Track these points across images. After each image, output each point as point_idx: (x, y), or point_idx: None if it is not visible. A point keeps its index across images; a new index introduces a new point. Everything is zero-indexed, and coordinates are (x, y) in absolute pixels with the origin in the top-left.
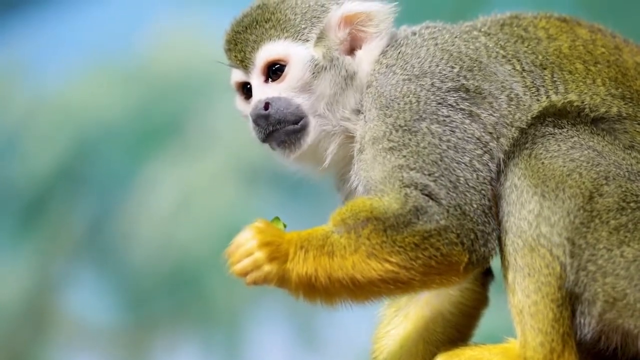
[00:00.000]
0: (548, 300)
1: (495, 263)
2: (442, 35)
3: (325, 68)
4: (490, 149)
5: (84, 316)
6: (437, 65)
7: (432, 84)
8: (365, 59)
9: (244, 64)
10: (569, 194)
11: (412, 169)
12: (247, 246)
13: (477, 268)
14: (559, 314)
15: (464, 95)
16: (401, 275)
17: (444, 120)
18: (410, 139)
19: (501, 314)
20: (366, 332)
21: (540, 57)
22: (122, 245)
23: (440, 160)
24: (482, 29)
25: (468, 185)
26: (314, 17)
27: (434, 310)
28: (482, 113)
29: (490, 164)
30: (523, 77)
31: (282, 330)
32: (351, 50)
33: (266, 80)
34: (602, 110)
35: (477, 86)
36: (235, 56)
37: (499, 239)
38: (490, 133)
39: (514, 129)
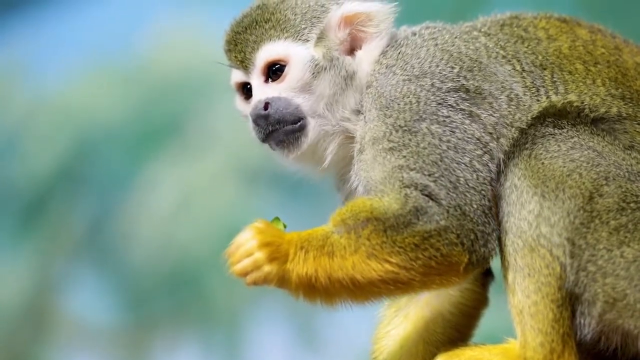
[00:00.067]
0: (548, 300)
1: (495, 263)
2: (442, 35)
3: (325, 68)
4: (490, 150)
5: (84, 316)
6: (437, 66)
7: (432, 85)
8: (365, 59)
9: (244, 64)
10: (569, 194)
11: (412, 170)
12: (247, 246)
13: (477, 268)
14: (559, 315)
15: (464, 95)
16: (401, 275)
17: (444, 121)
18: (410, 140)
19: (501, 314)
20: (366, 333)
21: (540, 57)
22: (122, 245)
23: (440, 161)
24: (482, 30)
25: (468, 185)
26: (314, 17)
27: (434, 311)
28: (482, 113)
29: (490, 165)
30: (523, 77)
31: (282, 330)
32: (351, 51)
33: (266, 81)
34: (602, 110)
35: (477, 86)
36: (235, 56)
37: (499, 239)
38: (490, 133)
39: (514, 129)
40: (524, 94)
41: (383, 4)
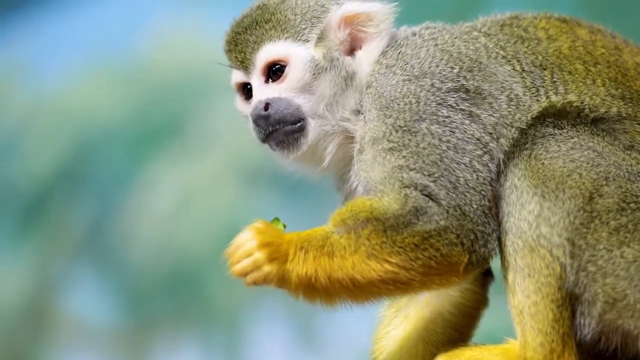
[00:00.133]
0: (548, 300)
1: (495, 264)
2: (442, 35)
3: (326, 69)
4: (490, 150)
5: (84, 316)
6: (437, 66)
7: (432, 85)
8: (365, 60)
9: (244, 64)
10: (569, 194)
11: (412, 170)
12: (247, 247)
13: (477, 268)
14: (559, 315)
15: (463, 95)
16: (401, 275)
17: (444, 121)
18: (410, 140)
19: (501, 315)
20: (366, 333)
21: (540, 57)
22: (122, 245)
23: (440, 161)
24: (482, 30)
25: (468, 185)
26: (314, 17)
27: (433, 311)
28: (482, 113)
29: (490, 165)
30: (523, 77)
31: (282, 331)
32: (351, 51)
33: (266, 81)
34: (602, 110)
35: (477, 87)
36: (236, 57)
37: (499, 239)
38: (490, 133)
39: (513, 129)
40: (524, 94)
41: (383, 4)
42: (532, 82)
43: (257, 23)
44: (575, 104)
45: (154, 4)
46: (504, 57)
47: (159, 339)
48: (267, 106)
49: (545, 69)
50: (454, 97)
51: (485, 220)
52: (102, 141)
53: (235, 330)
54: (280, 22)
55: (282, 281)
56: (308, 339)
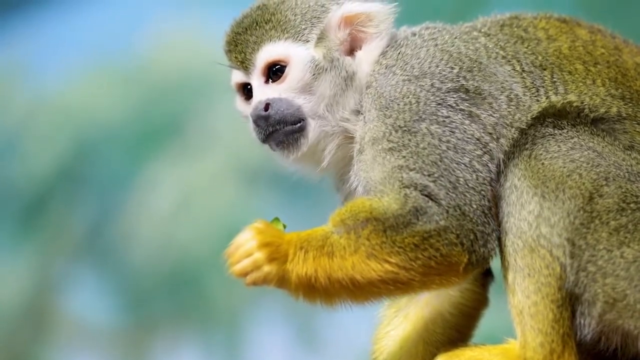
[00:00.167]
0: (548, 300)
1: (495, 264)
2: (442, 36)
3: (326, 69)
4: (490, 150)
5: (84, 316)
6: (437, 66)
7: (432, 85)
8: (365, 60)
9: (244, 65)
10: (569, 194)
11: (411, 170)
12: (246, 247)
13: (476, 268)
14: (559, 315)
15: (463, 95)
16: (401, 275)
17: (444, 121)
18: (409, 140)
19: (501, 315)
20: (366, 333)
21: (540, 57)
22: (122, 245)
23: (440, 161)
24: (482, 30)
25: (468, 185)
26: (314, 17)
27: (433, 311)
28: (482, 114)
29: (490, 165)
30: (523, 77)
31: (282, 331)
32: (351, 51)
33: (266, 81)
34: (602, 110)
35: (476, 87)
36: (236, 57)
37: (499, 239)
38: (490, 134)
39: (513, 129)
40: (524, 94)
41: (383, 5)
42: (532, 82)
43: (257, 23)
44: (575, 104)
45: (154, 4)
46: (503, 57)
47: (159, 339)
48: (267, 106)
49: (545, 69)
50: (453, 97)
51: (485, 220)
52: (102, 141)
53: (235, 330)
54: (281, 23)
55: (281, 281)
56: (308, 339)
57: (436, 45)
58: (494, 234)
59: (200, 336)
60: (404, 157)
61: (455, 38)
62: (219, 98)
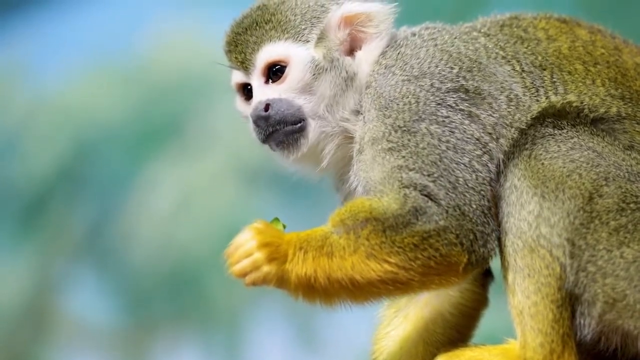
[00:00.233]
0: (548, 301)
1: (495, 264)
2: (441, 36)
3: (326, 69)
4: (490, 150)
5: (84, 317)
6: (437, 66)
7: (432, 85)
8: (364, 60)
9: (245, 65)
10: (569, 194)
11: (411, 170)
12: (246, 247)
13: (476, 269)
14: (558, 315)
15: (463, 96)
16: (400, 275)
17: (444, 121)
18: (409, 140)
19: (501, 315)
20: (366, 333)
21: (539, 57)
22: (122, 245)
23: (440, 161)
24: (482, 30)
25: (467, 185)
26: (314, 17)
27: (433, 311)
28: (482, 114)
29: (489, 165)
30: (522, 77)
31: (282, 331)
32: (351, 51)
33: (266, 82)
34: (602, 110)
35: (476, 87)
36: (236, 57)
37: (499, 239)
38: (490, 134)
39: (513, 129)
40: (524, 95)
41: (383, 5)
42: (532, 83)
43: (257, 24)
44: (574, 104)
45: (154, 4)
46: (503, 57)
47: (159, 339)
48: (267, 107)
49: (544, 69)
50: (453, 97)
51: (485, 220)
52: (102, 141)
53: (235, 330)
54: (281, 23)
55: (281, 281)
56: (308, 339)
57: (436, 45)
58: (494, 234)
59: (200, 336)
60: (404, 157)
61: (455, 38)
62: (219, 98)
